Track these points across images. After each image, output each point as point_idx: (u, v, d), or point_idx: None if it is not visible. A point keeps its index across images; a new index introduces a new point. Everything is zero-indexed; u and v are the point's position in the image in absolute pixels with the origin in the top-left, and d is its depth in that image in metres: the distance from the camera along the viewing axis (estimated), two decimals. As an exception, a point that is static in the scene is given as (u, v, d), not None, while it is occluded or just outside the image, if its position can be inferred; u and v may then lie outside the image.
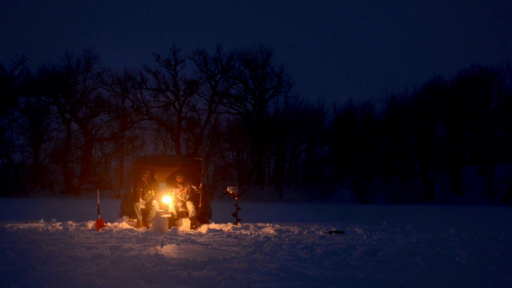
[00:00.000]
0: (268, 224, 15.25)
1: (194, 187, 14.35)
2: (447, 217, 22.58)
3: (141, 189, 14.36)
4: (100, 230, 12.48)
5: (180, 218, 14.06)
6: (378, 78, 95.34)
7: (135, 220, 14.16)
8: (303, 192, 49.07)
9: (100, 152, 49.51)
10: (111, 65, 55.99)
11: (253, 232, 12.98)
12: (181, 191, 14.36)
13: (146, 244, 9.94)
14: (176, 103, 49.30)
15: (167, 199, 14.39)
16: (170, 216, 13.87)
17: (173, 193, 14.48)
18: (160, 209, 14.27)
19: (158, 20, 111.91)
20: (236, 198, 15.93)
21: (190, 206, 14.17)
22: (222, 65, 49.68)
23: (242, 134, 50.09)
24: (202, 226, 13.89)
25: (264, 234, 12.53)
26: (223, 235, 12.05)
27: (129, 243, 10.10)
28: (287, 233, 12.71)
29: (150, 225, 13.28)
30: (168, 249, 9.27)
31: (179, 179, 14.42)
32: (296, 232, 13.01)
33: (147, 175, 14.46)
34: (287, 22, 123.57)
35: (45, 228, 12.72)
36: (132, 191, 14.49)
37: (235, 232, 12.73)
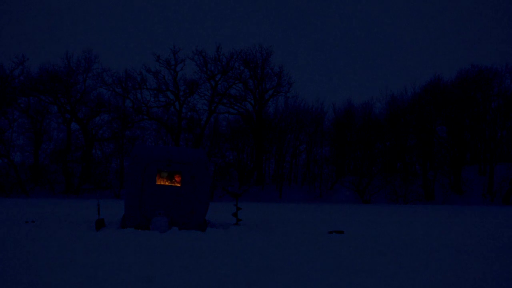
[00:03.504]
0: (268, 224, 15.25)
1: None
2: (447, 217, 22.58)
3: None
4: (100, 230, 12.48)
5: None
6: (378, 78, 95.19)
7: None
8: (303, 192, 49.05)
9: (100, 152, 49.52)
10: (111, 65, 56.02)
11: (252, 231, 12.99)
12: None
13: (146, 244, 9.94)
14: (176, 103, 49.32)
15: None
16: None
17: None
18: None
19: (158, 20, 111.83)
20: (236, 198, 15.94)
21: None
22: (222, 65, 49.67)
23: (242, 134, 50.07)
24: (202, 226, 13.89)
25: (264, 233, 12.53)
26: (223, 235, 12.05)
27: (129, 243, 10.10)
28: (287, 233, 12.72)
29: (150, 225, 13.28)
30: (168, 249, 9.27)
31: (177, 178, 14.40)
32: (296, 232, 13.02)
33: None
34: (287, 22, 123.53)
35: (45, 228, 12.72)
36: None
37: (235, 232, 12.73)
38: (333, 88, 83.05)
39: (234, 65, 50.28)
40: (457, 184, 47.61)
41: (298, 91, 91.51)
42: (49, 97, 47.20)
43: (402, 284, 6.27)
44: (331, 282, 6.23)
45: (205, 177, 14.38)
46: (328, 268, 7.30)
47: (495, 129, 50.07)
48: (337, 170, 52.03)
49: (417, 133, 49.96)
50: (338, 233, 12.88)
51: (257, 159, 50.53)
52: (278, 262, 7.73)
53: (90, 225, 13.55)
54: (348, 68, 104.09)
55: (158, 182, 13.92)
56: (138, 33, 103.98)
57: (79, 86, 48.40)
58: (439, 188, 47.48)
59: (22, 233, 11.54)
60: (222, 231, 13.03)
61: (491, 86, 49.94)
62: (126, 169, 45.21)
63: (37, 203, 29.87)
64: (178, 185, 13.96)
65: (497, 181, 46.54)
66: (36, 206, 25.80)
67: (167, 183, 14.08)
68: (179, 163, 14.19)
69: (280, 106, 52.56)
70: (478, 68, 50.21)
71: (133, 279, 6.18)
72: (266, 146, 50.67)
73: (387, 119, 51.35)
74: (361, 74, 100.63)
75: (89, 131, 48.08)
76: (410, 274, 6.90)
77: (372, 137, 50.43)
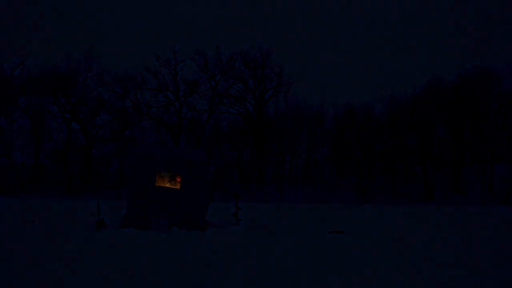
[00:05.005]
0: (267, 224, 15.26)
1: None
2: (447, 217, 22.58)
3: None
4: (100, 230, 12.49)
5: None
6: (378, 78, 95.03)
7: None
8: (303, 192, 49.05)
9: (100, 152, 49.53)
10: (111, 65, 55.95)
11: (252, 231, 13.00)
12: None
13: (146, 244, 9.95)
14: (176, 103, 49.36)
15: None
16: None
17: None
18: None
19: (158, 20, 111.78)
20: (236, 198, 15.95)
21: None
22: (222, 65, 49.72)
23: (242, 134, 50.11)
24: (202, 226, 13.91)
25: (264, 233, 12.54)
26: (223, 235, 12.06)
27: (129, 243, 10.10)
28: (287, 232, 12.72)
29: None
30: (168, 249, 9.27)
31: (177, 178, 14.41)
32: (296, 232, 13.02)
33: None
34: (287, 22, 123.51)
35: (45, 228, 12.73)
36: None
37: (235, 232, 12.75)
38: (333, 88, 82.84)
39: (234, 65, 50.34)
40: (457, 184, 47.63)
41: (298, 91, 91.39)
42: (49, 97, 47.23)
43: (401, 284, 6.28)
44: (331, 282, 6.25)
45: (205, 177, 14.36)
46: (328, 268, 7.31)
47: (495, 129, 50.08)
48: (337, 170, 52.06)
49: (417, 133, 49.95)
50: (338, 233, 12.88)
51: (257, 159, 50.54)
52: (278, 261, 7.74)
53: (90, 225, 13.56)
54: (348, 68, 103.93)
55: (158, 183, 13.91)
56: (138, 33, 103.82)
57: (79, 86, 48.42)
58: (439, 188, 47.50)
59: (22, 233, 11.55)
60: (222, 231, 13.04)
61: (491, 86, 49.96)
62: (126, 170, 45.23)
63: (37, 203, 29.87)
64: (178, 185, 13.96)
65: (497, 181, 46.55)
66: (36, 206, 25.80)
67: (167, 183, 14.07)
68: (179, 164, 14.18)
69: (280, 106, 52.61)
70: (479, 68, 50.25)
71: (133, 279, 6.19)
72: (266, 146, 50.68)
73: (387, 119, 51.37)
74: (361, 74, 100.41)
75: (89, 131, 48.09)
76: (410, 274, 6.91)
77: (372, 137, 50.44)
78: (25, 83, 46.78)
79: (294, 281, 6.22)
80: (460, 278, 6.73)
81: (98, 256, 7.88)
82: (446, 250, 9.45)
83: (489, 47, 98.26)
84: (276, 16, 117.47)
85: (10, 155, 45.61)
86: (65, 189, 45.55)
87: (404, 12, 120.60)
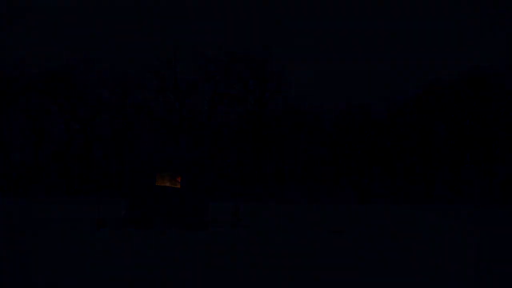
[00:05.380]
0: (268, 224, 15.26)
1: None
2: (447, 217, 22.58)
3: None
4: (100, 230, 12.50)
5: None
6: (378, 78, 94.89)
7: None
8: (303, 192, 49.00)
9: (100, 152, 49.47)
10: (111, 65, 55.81)
11: (252, 231, 13.00)
12: None
13: (146, 243, 9.94)
14: (176, 103, 49.34)
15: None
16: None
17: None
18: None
19: (158, 20, 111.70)
20: (236, 198, 15.98)
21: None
22: (222, 65, 49.67)
23: (242, 134, 50.06)
24: (202, 225, 13.91)
25: (264, 233, 12.54)
26: (223, 235, 12.06)
27: (130, 242, 10.10)
28: (286, 232, 12.72)
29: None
30: (168, 248, 9.28)
31: (177, 178, 14.43)
32: (296, 231, 13.02)
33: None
34: (287, 22, 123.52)
35: (46, 228, 12.72)
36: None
37: (235, 231, 12.75)
38: (333, 88, 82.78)
39: (234, 65, 50.32)
40: (457, 184, 47.62)
41: (298, 91, 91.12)
42: (49, 97, 47.21)
43: (401, 282, 6.28)
44: (332, 281, 6.25)
45: (205, 177, 14.37)
46: (329, 266, 7.32)
47: (495, 129, 50.04)
48: (337, 170, 52.04)
49: (417, 133, 49.96)
50: (338, 233, 12.89)
51: (257, 159, 50.52)
52: (278, 260, 7.75)
53: (91, 224, 13.58)
54: (348, 68, 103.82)
55: (158, 183, 13.94)
56: (138, 33, 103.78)
57: (79, 86, 48.38)
58: (439, 188, 47.48)
59: (23, 232, 11.57)
60: (222, 231, 13.07)
61: (491, 86, 49.91)
62: (126, 170, 45.16)
63: (37, 203, 29.88)
64: (178, 185, 13.98)
65: (497, 181, 46.53)
66: (36, 206, 25.80)
67: (167, 183, 14.09)
68: (179, 164, 14.21)
69: (280, 106, 52.54)
70: (478, 68, 50.16)
71: (133, 278, 6.20)
72: (266, 146, 50.67)
73: (387, 119, 51.36)
74: (361, 74, 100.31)
75: (89, 131, 48.08)
76: (409, 273, 6.92)
77: (372, 137, 50.44)
78: (25, 83, 46.75)
79: (294, 280, 6.23)
80: (460, 278, 6.75)
81: (98, 256, 7.89)
82: (446, 249, 9.46)
83: (489, 47, 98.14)
84: (276, 16, 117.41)
85: (9, 155, 45.56)
86: (65, 189, 45.52)
87: (404, 12, 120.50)
